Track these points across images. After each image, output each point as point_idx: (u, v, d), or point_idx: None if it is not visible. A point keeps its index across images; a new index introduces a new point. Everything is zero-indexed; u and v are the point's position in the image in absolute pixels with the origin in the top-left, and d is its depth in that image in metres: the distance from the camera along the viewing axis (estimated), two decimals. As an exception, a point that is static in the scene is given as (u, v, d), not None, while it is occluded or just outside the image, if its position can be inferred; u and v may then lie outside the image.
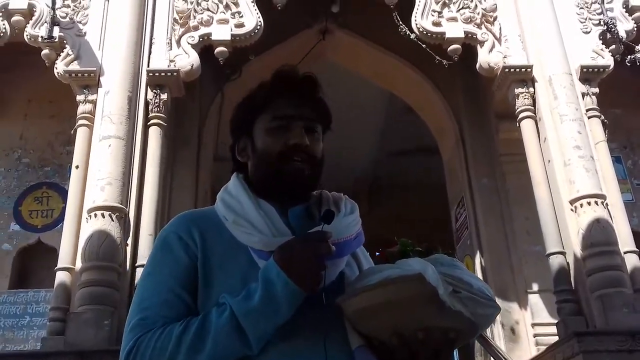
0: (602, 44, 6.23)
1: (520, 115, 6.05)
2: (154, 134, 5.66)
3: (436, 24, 6.27)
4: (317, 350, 1.21)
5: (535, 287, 6.84)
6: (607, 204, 5.40)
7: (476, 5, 6.42)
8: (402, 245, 1.31)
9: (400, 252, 1.29)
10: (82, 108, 5.66)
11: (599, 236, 5.19)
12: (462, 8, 6.39)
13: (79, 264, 4.94)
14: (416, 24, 6.25)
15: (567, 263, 5.40)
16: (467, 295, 1.20)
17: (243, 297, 1.22)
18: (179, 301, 1.28)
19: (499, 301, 6.25)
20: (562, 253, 5.43)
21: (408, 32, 6.31)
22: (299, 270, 1.20)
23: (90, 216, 5.03)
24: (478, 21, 6.34)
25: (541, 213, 5.69)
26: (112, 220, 4.99)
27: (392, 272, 1.21)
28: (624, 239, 5.39)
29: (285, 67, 1.47)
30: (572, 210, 5.43)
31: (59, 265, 5.06)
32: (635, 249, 5.41)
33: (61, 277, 4.99)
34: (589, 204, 5.31)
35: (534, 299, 6.82)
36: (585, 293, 5.22)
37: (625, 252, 5.32)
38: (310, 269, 1.20)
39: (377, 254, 1.40)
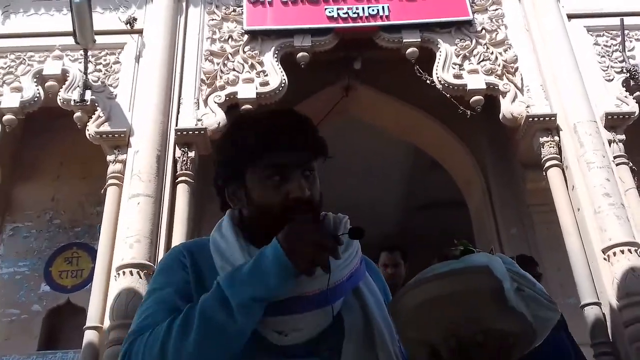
0: (626, 90, 6.20)
1: (547, 164, 6.00)
2: (182, 191, 5.73)
3: (457, 76, 6.34)
4: None
5: (571, 340, 6.60)
6: (641, 252, 5.26)
7: (497, 57, 6.50)
8: (463, 245, 1.24)
9: (464, 251, 1.23)
10: (112, 168, 5.79)
11: (635, 286, 5.03)
12: (483, 60, 6.47)
13: (107, 323, 4.94)
14: (437, 77, 6.33)
15: (603, 314, 5.21)
16: (530, 294, 1.15)
17: (232, 270, 1.23)
18: (177, 308, 1.26)
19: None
20: (598, 304, 5.25)
21: (432, 81, 6.36)
22: (295, 245, 1.17)
23: (118, 274, 5.06)
24: (499, 72, 6.39)
25: (573, 263, 5.55)
26: (140, 278, 5.00)
27: (457, 264, 1.17)
28: (661, 289, 5.22)
29: (276, 112, 1.45)
30: (605, 259, 5.29)
31: (88, 324, 5.06)
32: (673, 298, 5.24)
33: (89, 336, 4.98)
34: (622, 252, 5.17)
35: (571, 353, 6.56)
36: (624, 345, 5.02)
37: (663, 302, 5.14)
38: (307, 245, 1.17)
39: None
